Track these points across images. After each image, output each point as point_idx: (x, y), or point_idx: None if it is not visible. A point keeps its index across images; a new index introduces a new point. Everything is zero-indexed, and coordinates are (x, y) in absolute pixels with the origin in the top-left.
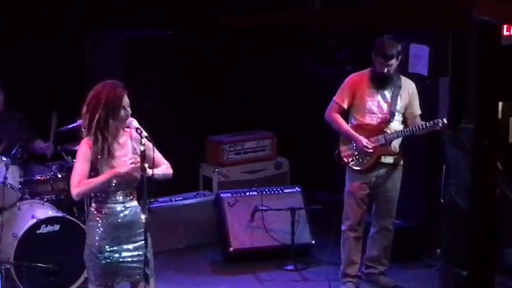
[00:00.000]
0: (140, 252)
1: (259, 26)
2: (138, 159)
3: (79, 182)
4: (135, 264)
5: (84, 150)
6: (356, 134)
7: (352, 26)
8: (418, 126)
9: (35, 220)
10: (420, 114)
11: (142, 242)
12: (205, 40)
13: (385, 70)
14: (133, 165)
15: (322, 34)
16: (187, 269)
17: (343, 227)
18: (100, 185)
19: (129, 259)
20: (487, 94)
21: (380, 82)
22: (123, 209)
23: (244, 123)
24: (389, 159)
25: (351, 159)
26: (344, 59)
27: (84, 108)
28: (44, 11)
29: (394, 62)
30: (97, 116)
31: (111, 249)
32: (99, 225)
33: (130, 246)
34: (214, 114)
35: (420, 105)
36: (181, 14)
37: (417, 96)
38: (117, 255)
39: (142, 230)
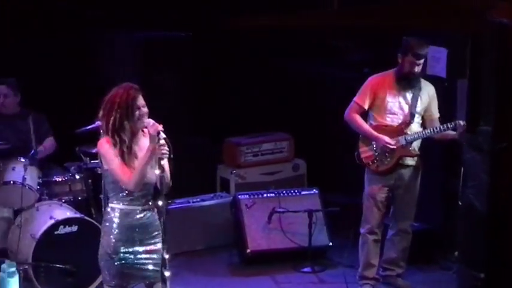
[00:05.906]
0: (154, 256)
1: (277, 27)
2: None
3: (129, 176)
4: (150, 267)
5: (108, 148)
6: (376, 133)
7: (370, 27)
8: (439, 128)
9: (53, 221)
10: (438, 117)
11: (158, 244)
12: (222, 41)
13: (416, 69)
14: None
15: (339, 35)
16: (205, 270)
17: (362, 230)
18: (145, 166)
19: (144, 261)
20: (505, 96)
21: (407, 82)
22: (138, 211)
23: (262, 124)
24: (410, 161)
25: (371, 160)
26: (361, 61)
27: (101, 112)
28: (58, 11)
29: (422, 62)
30: (112, 118)
31: (126, 250)
32: (115, 226)
33: (145, 249)
34: (232, 116)
35: (438, 107)
36: (197, 15)
37: (436, 98)
38: (132, 256)
39: (158, 232)
